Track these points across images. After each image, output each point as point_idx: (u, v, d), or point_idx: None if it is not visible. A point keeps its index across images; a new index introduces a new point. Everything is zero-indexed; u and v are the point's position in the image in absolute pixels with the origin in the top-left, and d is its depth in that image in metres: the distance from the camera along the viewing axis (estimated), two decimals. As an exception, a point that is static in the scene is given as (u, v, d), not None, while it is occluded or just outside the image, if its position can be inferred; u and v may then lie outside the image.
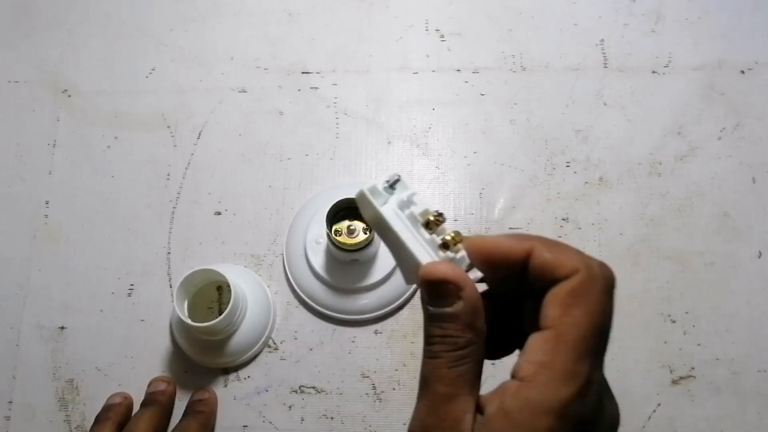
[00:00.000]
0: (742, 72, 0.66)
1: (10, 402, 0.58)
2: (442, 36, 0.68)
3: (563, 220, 0.61)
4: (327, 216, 0.53)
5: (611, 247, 0.60)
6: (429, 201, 0.63)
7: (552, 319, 0.24)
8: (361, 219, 0.55)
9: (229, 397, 0.58)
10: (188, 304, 0.55)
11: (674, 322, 0.59)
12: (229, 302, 0.52)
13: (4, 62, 0.69)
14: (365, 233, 0.54)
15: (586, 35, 0.67)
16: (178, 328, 0.58)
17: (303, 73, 0.67)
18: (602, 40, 0.67)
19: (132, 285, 0.61)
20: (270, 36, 0.69)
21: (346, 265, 0.57)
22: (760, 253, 0.60)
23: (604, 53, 0.67)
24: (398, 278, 0.58)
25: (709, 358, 0.58)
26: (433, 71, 0.67)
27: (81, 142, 0.65)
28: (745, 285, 0.59)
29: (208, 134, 0.65)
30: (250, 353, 0.57)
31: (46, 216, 0.63)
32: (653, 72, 0.66)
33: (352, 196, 0.46)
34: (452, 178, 0.63)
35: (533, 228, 0.61)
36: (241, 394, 0.58)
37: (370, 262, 0.57)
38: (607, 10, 0.68)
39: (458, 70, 0.67)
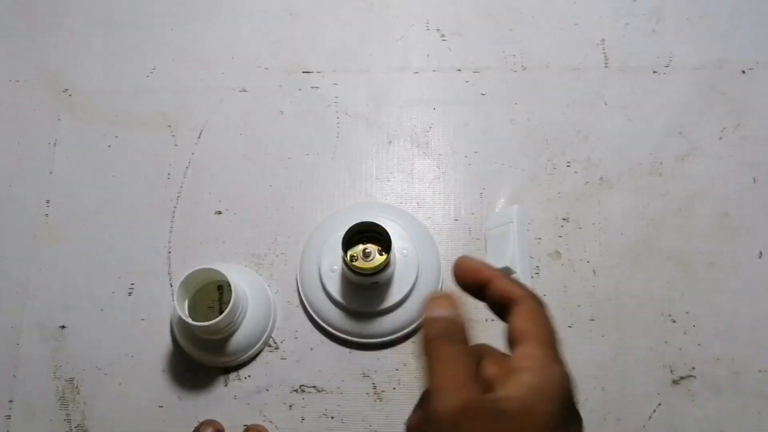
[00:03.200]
0: (743, 72, 0.66)
1: (11, 401, 0.58)
2: (443, 36, 0.68)
3: (564, 219, 0.61)
4: (342, 242, 0.52)
5: (612, 246, 0.60)
6: (430, 201, 0.63)
7: (527, 330, 0.31)
8: (375, 241, 0.54)
9: (230, 396, 0.58)
10: (189, 304, 0.55)
11: (675, 321, 0.59)
12: (229, 301, 0.52)
13: (5, 61, 0.69)
14: (381, 255, 0.54)
15: (586, 35, 0.67)
16: (178, 327, 0.58)
17: (303, 72, 0.67)
18: (603, 40, 0.67)
19: (132, 284, 0.61)
20: (270, 35, 0.69)
21: (364, 289, 0.56)
22: (760, 253, 0.60)
23: (604, 53, 0.67)
24: (418, 296, 0.57)
25: (710, 358, 0.58)
26: (434, 71, 0.67)
27: (81, 142, 0.65)
28: (746, 285, 0.59)
29: (209, 134, 0.65)
30: (250, 352, 0.57)
31: (47, 215, 0.63)
32: (654, 72, 0.66)
33: (364, 219, 0.52)
34: (453, 178, 0.63)
35: (534, 228, 0.61)
36: (242, 393, 0.58)
37: (387, 283, 0.56)
38: (608, 10, 0.68)
39: (459, 70, 0.67)
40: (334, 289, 0.56)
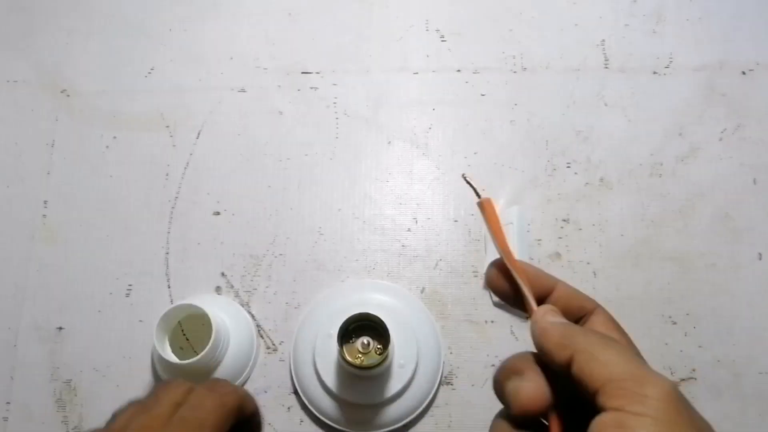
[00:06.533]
0: (743, 73, 0.65)
1: (8, 403, 0.58)
2: (443, 36, 0.68)
3: (564, 221, 0.61)
4: (338, 333, 0.49)
5: (612, 248, 0.60)
6: (429, 202, 0.62)
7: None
8: (371, 330, 0.52)
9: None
10: (177, 331, 0.55)
11: (675, 323, 0.58)
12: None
13: (3, 62, 0.68)
14: (377, 354, 0.51)
15: (586, 36, 0.67)
16: (160, 364, 0.57)
17: (303, 73, 0.67)
18: (603, 41, 0.67)
19: (130, 285, 0.61)
20: (269, 36, 0.68)
21: (361, 379, 0.53)
22: (760, 254, 0.60)
23: (605, 54, 0.66)
24: (418, 387, 0.54)
25: (710, 360, 0.57)
26: (434, 71, 0.66)
27: (79, 142, 0.65)
28: (746, 286, 0.59)
29: (207, 134, 0.65)
30: (237, 382, 0.56)
31: (45, 216, 0.63)
32: (654, 73, 0.66)
33: (364, 310, 0.50)
34: (452, 179, 0.63)
35: (534, 229, 0.61)
36: (240, 395, 0.57)
37: (384, 374, 0.53)
38: (608, 11, 0.68)
39: (458, 71, 0.66)
40: (330, 379, 0.53)
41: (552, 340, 0.28)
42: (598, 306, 0.30)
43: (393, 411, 0.54)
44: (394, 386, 0.53)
